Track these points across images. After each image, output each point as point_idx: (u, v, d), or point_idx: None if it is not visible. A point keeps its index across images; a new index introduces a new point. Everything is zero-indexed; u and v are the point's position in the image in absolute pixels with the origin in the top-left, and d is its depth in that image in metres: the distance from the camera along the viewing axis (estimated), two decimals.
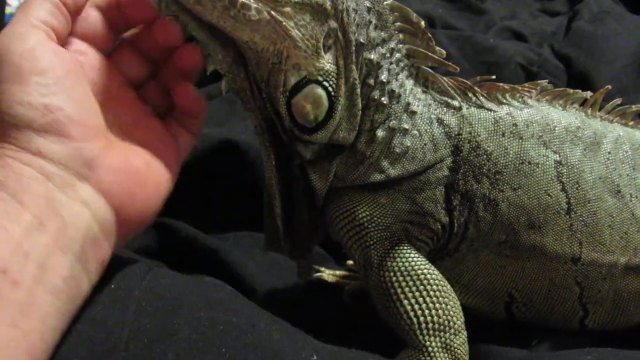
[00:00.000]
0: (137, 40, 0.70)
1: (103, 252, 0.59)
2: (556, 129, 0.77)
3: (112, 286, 0.59)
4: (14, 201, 0.53)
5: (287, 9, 0.64)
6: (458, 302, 0.70)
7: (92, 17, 0.66)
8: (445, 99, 0.74)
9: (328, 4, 0.66)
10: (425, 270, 0.69)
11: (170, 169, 0.68)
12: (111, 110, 0.65)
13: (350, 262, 1.00)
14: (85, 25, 0.65)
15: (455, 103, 0.74)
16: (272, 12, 0.63)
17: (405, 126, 0.71)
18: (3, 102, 0.56)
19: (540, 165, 0.75)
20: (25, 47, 0.58)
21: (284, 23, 0.64)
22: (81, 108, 0.59)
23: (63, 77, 0.59)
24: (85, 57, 0.64)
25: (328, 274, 0.99)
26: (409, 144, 0.71)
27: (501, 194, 0.73)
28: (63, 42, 0.63)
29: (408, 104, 0.72)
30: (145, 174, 0.64)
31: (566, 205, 0.75)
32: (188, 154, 0.73)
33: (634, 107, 0.87)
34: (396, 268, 0.69)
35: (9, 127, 0.56)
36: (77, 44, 0.65)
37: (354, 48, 0.68)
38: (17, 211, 0.52)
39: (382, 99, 0.70)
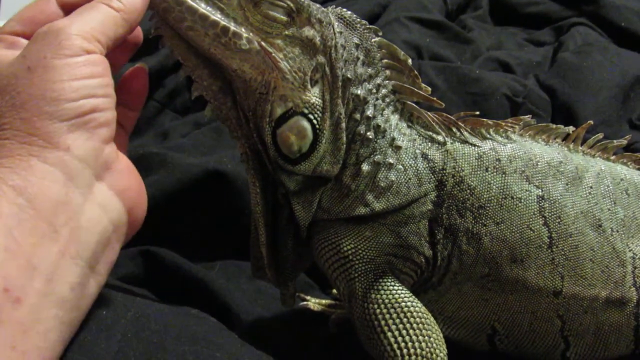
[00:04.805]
0: None
1: (113, 253, 0.59)
2: (539, 164, 0.78)
3: (104, 313, 0.59)
4: (30, 207, 0.51)
5: (278, 41, 0.66)
6: (441, 335, 0.70)
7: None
8: (430, 134, 0.76)
9: (317, 40, 0.67)
10: (408, 303, 0.70)
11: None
12: None
13: (335, 290, 1.01)
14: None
15: (440, 138, 0.75)
16: (263, 43, 0.65)
17: (390, 161, 0.72)
18: (49, 82, 0.55)
19: (522, 200, 0.76)
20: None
21: (273, 54, 0.66)
22: (112, 106, 0.59)
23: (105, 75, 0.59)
24: None
25: (314, 303, 0.99)
26: (393, 179, 0.72)
27: (484, 228, 0.74)
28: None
29: (393, 138, 0.73)
30: (137, 172, 0.64)
31: (548, 240, 0.76)
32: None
33: (615, 142, 0.89)
34: (380, 300, 0.69)
35: (44, 119, 0.54)
36: None
37: (340, 83, 0.69)
38: (32, 219, 0.51)
39: (368, 133, 0.71)
